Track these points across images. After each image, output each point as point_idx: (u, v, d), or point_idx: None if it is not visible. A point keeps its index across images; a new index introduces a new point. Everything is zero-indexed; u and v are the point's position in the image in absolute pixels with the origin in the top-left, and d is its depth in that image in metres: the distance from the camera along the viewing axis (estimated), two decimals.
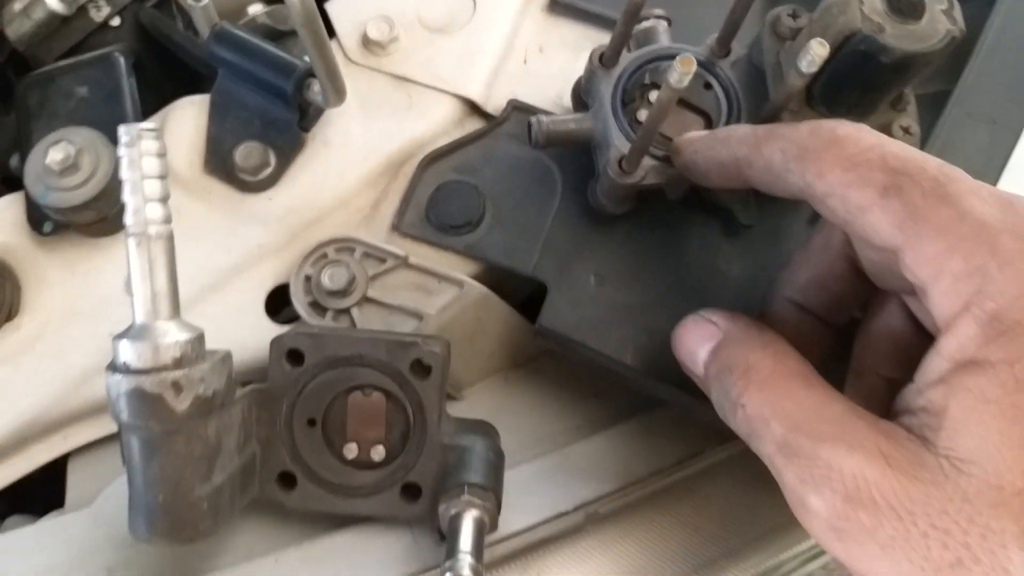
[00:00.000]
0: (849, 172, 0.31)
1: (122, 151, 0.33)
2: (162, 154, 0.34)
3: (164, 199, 0.34)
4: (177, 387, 0.33)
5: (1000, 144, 0.45)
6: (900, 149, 0.31)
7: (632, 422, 0.48)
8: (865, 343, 0.38)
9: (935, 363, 0.30)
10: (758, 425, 0.33)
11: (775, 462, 0.32)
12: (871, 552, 0.29)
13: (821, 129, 0.33)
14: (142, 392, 0.32)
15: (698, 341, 0.37)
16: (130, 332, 0.33)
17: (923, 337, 0.35)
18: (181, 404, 0.33)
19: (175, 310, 0.34)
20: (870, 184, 0.31)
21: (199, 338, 0.35)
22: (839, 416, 0.31)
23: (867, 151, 0.31)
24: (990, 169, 0.45)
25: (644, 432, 0.48)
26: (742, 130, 0.36)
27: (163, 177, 0.34)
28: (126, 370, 0.33)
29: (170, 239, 0.34)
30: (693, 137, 0.39)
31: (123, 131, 0.33)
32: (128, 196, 0.33)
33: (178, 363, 0.33)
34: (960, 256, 0.29)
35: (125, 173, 0.33)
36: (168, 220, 0.34)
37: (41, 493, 0.49)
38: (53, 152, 0.43)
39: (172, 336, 0.33)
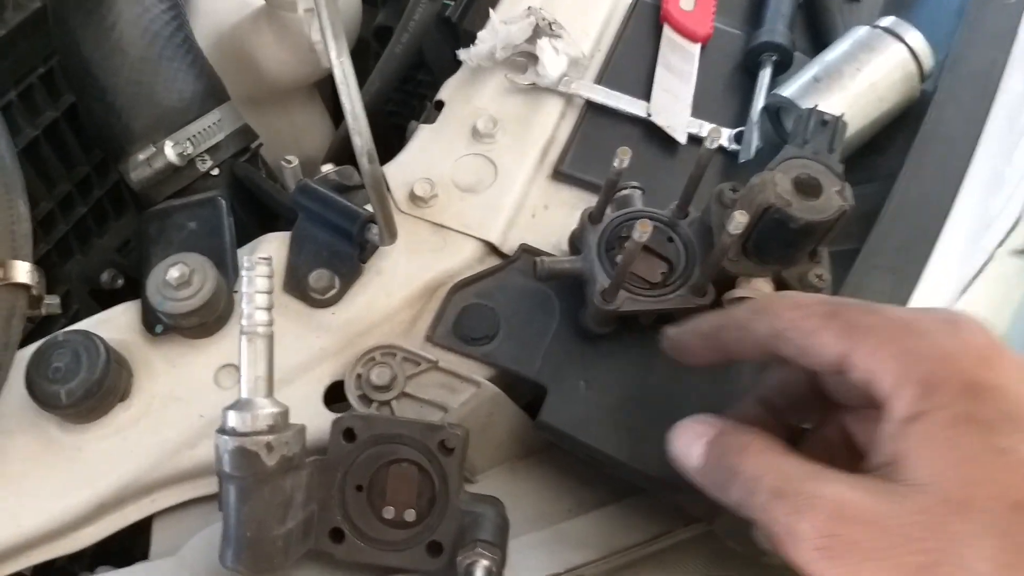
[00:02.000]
0: (799, 309, 0.41)
1: (243, 272, 0.46)
2: (270, 276, 0.47)
3: (269, 308, 0.47)
4: (269, 447, 0.45)
5: (901, 289, 0.58)
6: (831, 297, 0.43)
7: (614, 505, 0.59)
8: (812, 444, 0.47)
9: (887, 428, 0.37)
10: (753, 485, 0.39)
11: (768, 507, 0.37)
12: (855, 563, 0.34)
13: (773, 295, 0.45)
14: (243, 449, 0.44)
15: (693, 438, 0.45)
16: (237, 405, 0.45)
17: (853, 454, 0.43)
18: (271, 460, 0.45)
19: (270, 390, 0.46)
20: (815, 314, 0.40)
21: (286, 412, 0.47)
22: (819, 468, 0.38)
23: (809, 298, 0.43)
24: None
25: (624, 513, 0.58)
26: (712, 317, 0.47)
27: (270, 292, 0.47)
28: (232, 432, 0.45)
29: (271, 338, 0.46)
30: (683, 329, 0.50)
31: (245, 259, 0.46)
32: (244, 304, 0.46)
33: (271, 429, 0.45)
34: (892, 344, 0.37)
35: (244, 287, 0.46)
36: (271, 324, 0.46)
37: (124, 550, 0.60)
38: (172, 271, 0.56)
39: (268, 409, 0.45)
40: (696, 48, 0.72)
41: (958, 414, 0.36)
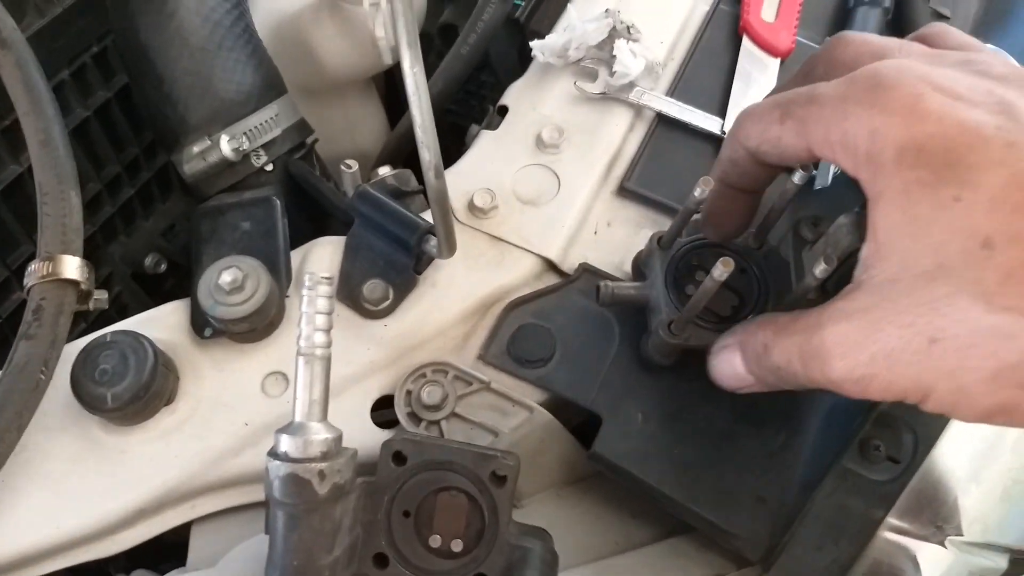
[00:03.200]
0: (758, 122, 0.44)
1: (304, 291, 0.44)
2: (330, 296, 0.45)
3: (328, 329, 0.45)
4: (321, 475, 0.43)
5: None
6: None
7: (664, 544, 0.57)
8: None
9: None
10: (785, 346, 0.42)
11: (803, 347, 0.41)
12: (875, 339, 0.38)
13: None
14: (296, 477, 0.42)
15: (731, 362, 0.47)
16: (290, 428, 0.44)
17: None
18: (322, 489, 0.43)
19: (324, 415, 0.44)
20: (773, 121, 0.43)
21: (339, 438, 0.45)
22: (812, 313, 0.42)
23: (759, 106, 0.45)
24: None
25: (674, 553, 0.56)
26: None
27: (330, 313, 0.45)
28: (285, 458, 0.43)
29: (328, 360, 0.44)
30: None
31: (307, 277, 0.44)
32: (303, 325, 0.44)
33: (324, 456, 0.43)
34: (833, 130, 0.40)
35: (304, 307, 0.44)
36: (329, 345, 0.44)
37: (160, 551, 0.59)
38: (225, 274, 0.54)
39: (321, 435, 0.44)
40: (776, 63, 0.68)
41: (905, 183, 0.37)
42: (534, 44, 0.65)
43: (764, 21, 0.69)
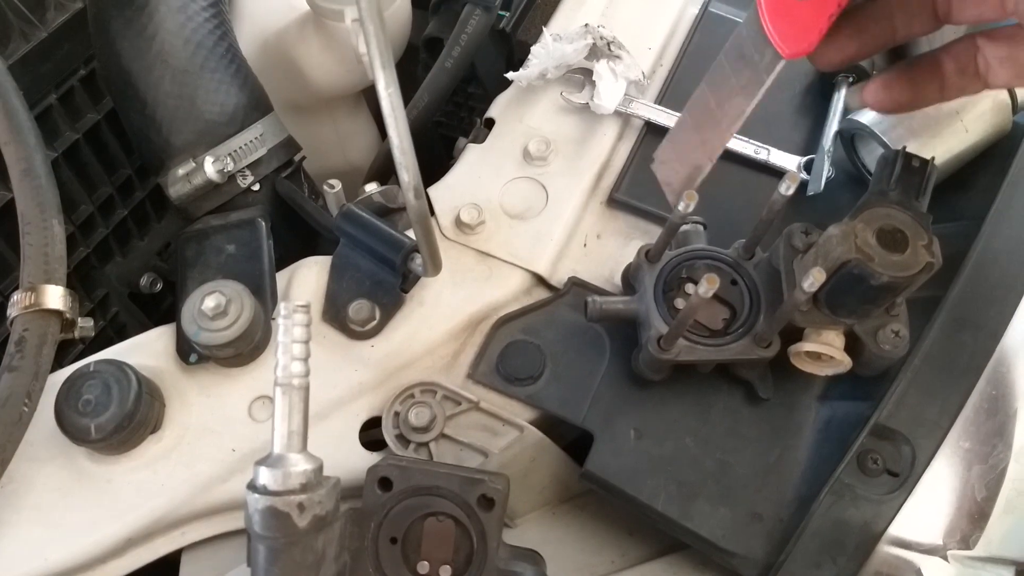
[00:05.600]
0: None
1: (280, 320, 0.44)
2: (307, 324, 0.44)
3: (305, 359, 0.44)
4: (301, 507, 0.42)
5: (985, 345, 0.53)
6: None
7: (660, 560, 0.56)
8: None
9: None
10: None
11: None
12: None
13: None
14: (275, 510, 0.42)
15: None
16: (268, 460, 0.43)
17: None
18: (302, 521, 0.42)
19: (304, 445, 0.44)
20: None
21: (319, 468, 0.44)
22: None
23: None
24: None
25: (670, 570, 0.55)
26: None
27: (306, 342, 0.44)
28: (264, 491, 0.42)
29: (307, 390, 0.44)
30: None
31: (283, 306, 0.44)
32: (280, 355, 0.43)
33: (304, 488, 0.42)
34: None
35: (280, 337, 0.43)
36: (307, 375, 0.44)
37: None
38: (208, 300, 0.53)
39: (300, 466, 0.43)
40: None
41: None
42: (510, 76, 0.64)
43: None
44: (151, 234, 0.87)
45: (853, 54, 0.48)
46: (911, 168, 0.49)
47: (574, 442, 0.59)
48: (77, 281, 0.78)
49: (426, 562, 0.49)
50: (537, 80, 0.64)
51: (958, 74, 0.47)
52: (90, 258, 0.80)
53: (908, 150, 0.50)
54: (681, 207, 0.48)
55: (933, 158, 0.49)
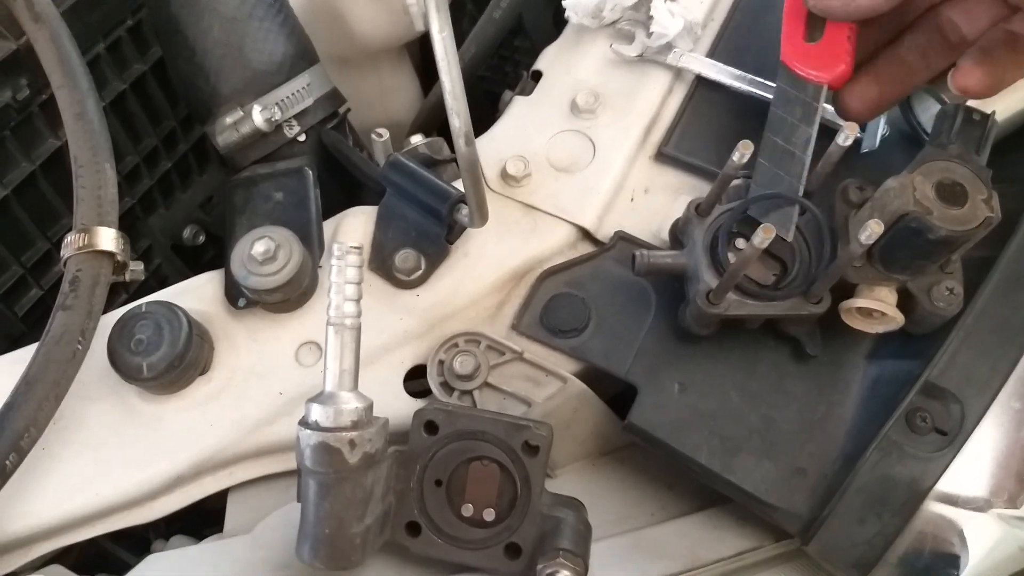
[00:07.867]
0: None
1: (333, 260, 0.44)
2: (360, 266, 0.44)
3: (358, 300, 0.44)
4: (352, 444, 0.43)
5: None
6: None
7: (701, 514, 0.56)
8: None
9: None
10: None
11: None
12: None
13: None
14: (326, 445, 0.42)
15: None
16: (320, 398, 0.44)
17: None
18: (353, 457, 0.43)
19: (355, 384, 0.44)
20: None
21: (370, 407, 0.45)
22: None
23: None
24: None
25: (710, 524, 0.55)
26: None
27: (359, 283, 0.44)
28: (316, 427, 0.43)
29: (358, 330, 0.44)
30: None
31: (336, 246, 0.44)
32: (333, 294, 0.44)
33: (355, 425, 0.43)
34: None
35: (333, 277, 0.44)
36: (359, 315, 0.44)
37: (199, 516, 0.59)
38: (257, 245, 0.54)
39: (352, 404, 0.43)
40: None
41: None
42: (566, 3, 0.64)
43: None
44: (194, 186, 0.88)
45: (876, 98, 0.52)
46: (971, 121, 0.48)
47: (615, 396, 0.59)
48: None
49: (470, 505, 0.50)
50: (591, 19, 0.62)
51: None
52: (135, 209, 0.81)
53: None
54: (736, 157, 0.47)
55: (994, 112, 0.48)
